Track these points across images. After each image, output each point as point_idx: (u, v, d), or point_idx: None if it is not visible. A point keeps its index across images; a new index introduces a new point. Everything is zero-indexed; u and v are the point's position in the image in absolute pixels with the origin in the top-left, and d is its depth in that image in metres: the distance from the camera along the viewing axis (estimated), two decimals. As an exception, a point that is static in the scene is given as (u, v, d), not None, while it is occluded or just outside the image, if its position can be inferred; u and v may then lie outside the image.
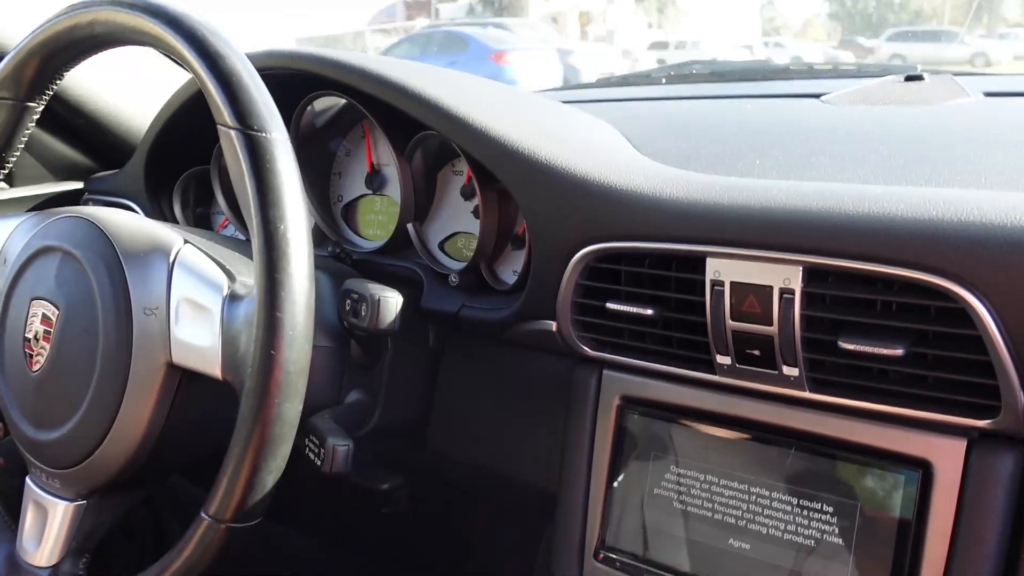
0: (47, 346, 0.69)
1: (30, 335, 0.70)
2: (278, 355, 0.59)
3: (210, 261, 0.70)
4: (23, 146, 0.79)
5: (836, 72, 1.25)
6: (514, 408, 0.89)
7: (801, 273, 0.63)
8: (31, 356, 0.70)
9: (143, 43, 0.68)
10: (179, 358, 0.67)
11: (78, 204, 1.22)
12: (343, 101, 0.96)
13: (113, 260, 0.68)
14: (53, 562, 0.72)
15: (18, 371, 0.71)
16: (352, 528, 1.23)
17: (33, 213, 0.80)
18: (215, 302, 0.66)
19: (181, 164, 1.10)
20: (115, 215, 0.74)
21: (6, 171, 0.79)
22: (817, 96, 1.04)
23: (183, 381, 0.68)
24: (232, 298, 0.66)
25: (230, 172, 0.63)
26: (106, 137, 1.19)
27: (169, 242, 0.70)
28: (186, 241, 0.71)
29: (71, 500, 0.71)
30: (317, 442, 0.74)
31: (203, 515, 0.62)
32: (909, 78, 1.08)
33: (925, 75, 1.07)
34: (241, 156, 0.60)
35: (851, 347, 0.62)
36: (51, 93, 0.76)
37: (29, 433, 0.71)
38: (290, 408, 0.60)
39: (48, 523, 0.72)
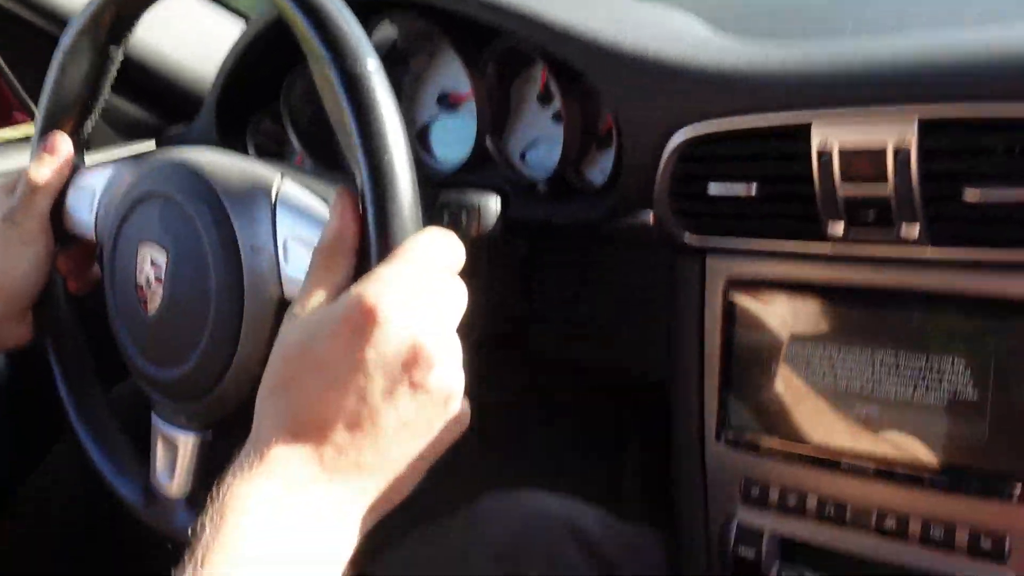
0: (159, 288, 0.71)
1: (141, 280, 0.72)
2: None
3: (312, 196, 0.69)
4: (107, 95, 0.80)
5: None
6: (610, 304, 0.90)
7: (916, 126, 0.62)
8: (144, 301, 0.72)
9: None
10: (291, 294, 0.67)
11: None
12: (399, 31, 0.95)
13: (216, 203, 0.68)
14: (187, 491, 0.74)
15: (134, 314, 0.73)
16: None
17: (121, 159, 0.81)
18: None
19: (251, 107, 1.10)
20: (210, 156, 0.74)
21: (94, 119, 0.81)
22: None
23: None
24: None
25: (326, 106, 0.61)
26: (171, 91, 1.21)
27: (268, 180, 0.70)
28: (283, 175, 0.71)
29: (197, 432, 0.73)
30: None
31: None
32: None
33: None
34: (338, 91, 0.59)
35: (977, 198, 0.60)
36: (128, 37, 0.77)
37: (151, 372, 0.73)
38: None
39: (179, 455, 0.74)
